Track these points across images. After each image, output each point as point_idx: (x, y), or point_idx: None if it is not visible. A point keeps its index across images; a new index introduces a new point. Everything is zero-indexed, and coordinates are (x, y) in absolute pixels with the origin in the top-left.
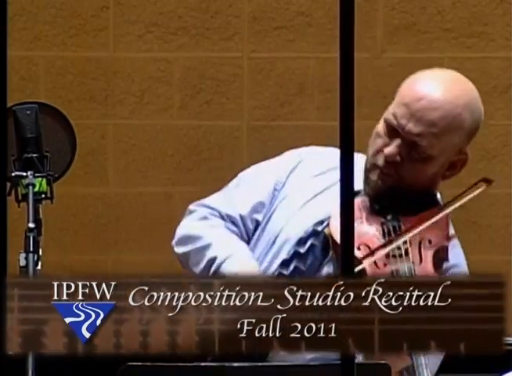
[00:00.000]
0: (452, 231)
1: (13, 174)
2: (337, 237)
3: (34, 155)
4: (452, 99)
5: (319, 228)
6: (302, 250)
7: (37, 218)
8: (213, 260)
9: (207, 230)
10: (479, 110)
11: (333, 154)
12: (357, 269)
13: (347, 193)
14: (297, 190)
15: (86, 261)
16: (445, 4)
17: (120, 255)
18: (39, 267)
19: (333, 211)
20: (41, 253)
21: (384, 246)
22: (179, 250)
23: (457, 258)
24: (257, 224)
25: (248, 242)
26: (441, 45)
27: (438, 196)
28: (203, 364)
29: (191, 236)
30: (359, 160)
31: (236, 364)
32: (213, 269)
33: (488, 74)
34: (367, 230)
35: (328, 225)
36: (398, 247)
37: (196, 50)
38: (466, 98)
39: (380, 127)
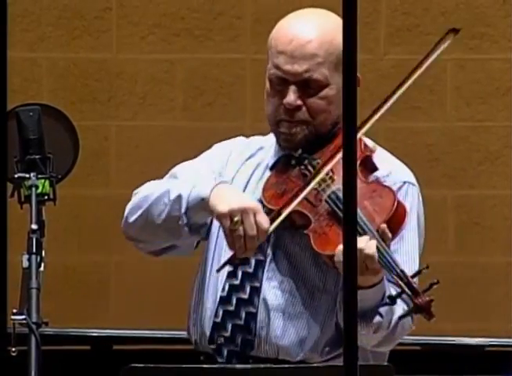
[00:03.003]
0: (369, 142)
1: (16, 175)
2: None
3: (37, 156)
4: (320, 28)
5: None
6: None
7: (40, 219)
8: (179, 199)
9: (157, 186)
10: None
11: (257, 139)
12: (285, 213)
13: (348, 194)
14: (236, 176)
15: (89, 262)
16: (447, 5)
17: (123, 257)
18: (42, 268)
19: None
20: (43, 254)
21: (305, 185)
22: (132, 218)
23: (390, 166)
24: None
25: None
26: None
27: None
28: (205, 366)
29: (141, 199)
30: (265, 139)
31: (238, 366)
32: (183, 207)
33: (490, 76)
34: (293, 186)
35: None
36: (324, 180)
37: (199, 52)
38: (332, 23)
39: (268, 88)
